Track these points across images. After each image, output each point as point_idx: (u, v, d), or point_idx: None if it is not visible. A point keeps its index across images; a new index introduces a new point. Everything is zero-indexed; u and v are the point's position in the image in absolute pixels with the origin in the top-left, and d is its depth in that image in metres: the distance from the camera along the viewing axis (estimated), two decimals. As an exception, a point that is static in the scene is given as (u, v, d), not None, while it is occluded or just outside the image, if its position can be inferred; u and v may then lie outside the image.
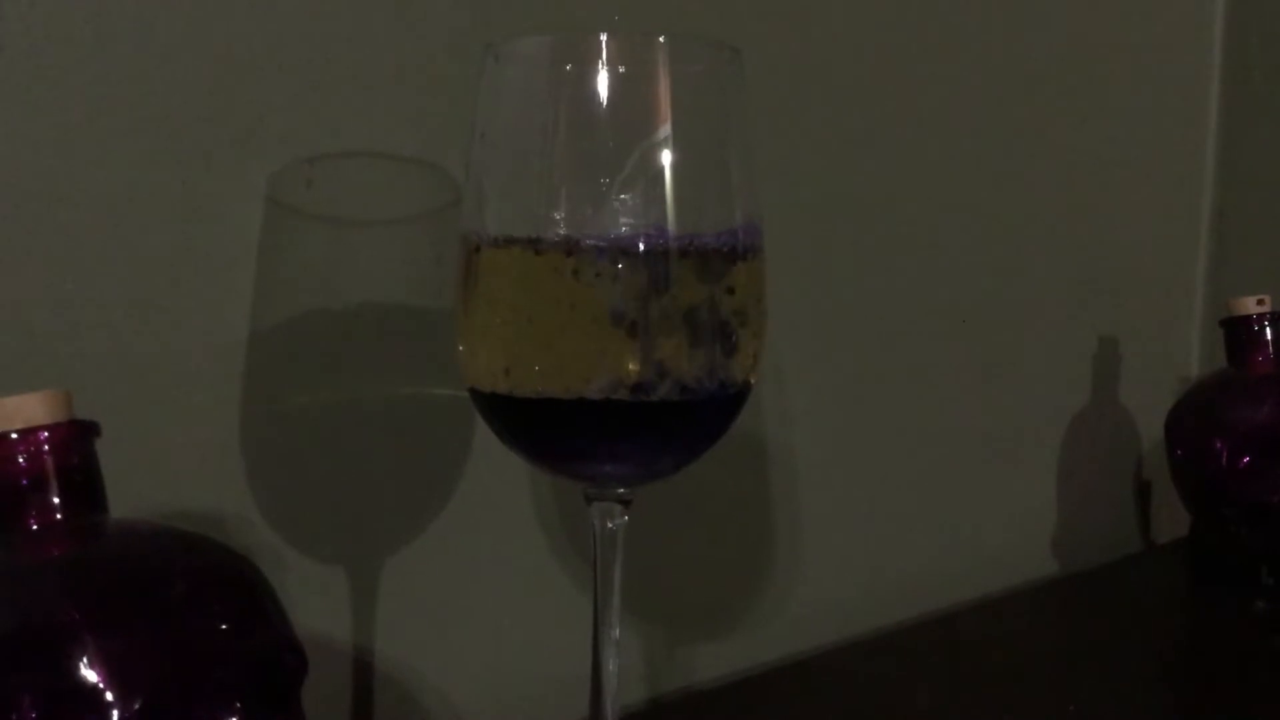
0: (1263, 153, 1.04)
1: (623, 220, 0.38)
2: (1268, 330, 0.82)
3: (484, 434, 0.45)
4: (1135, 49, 0.97)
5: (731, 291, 0.40)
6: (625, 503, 0.44)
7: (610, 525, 0.44)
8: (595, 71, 0.38)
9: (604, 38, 0.38)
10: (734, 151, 0.41)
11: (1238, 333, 0.83)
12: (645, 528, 0.48)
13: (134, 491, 0.45)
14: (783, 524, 0.74)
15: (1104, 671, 0.67)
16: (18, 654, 0.34)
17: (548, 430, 0.41)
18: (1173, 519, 0.95)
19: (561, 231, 0.38)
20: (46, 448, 0.38)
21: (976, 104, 0.84)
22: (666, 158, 0.38)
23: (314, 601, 0.54)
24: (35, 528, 0.38)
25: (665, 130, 0.39)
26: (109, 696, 0.34)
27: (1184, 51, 1.04)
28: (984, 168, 0.85)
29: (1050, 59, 0.89)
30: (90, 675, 0.34)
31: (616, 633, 0.45)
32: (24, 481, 0.38)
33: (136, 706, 0.34)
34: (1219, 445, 0.82)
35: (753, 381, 0.42)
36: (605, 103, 0.38)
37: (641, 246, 0.38)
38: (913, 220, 0.80)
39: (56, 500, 0.38)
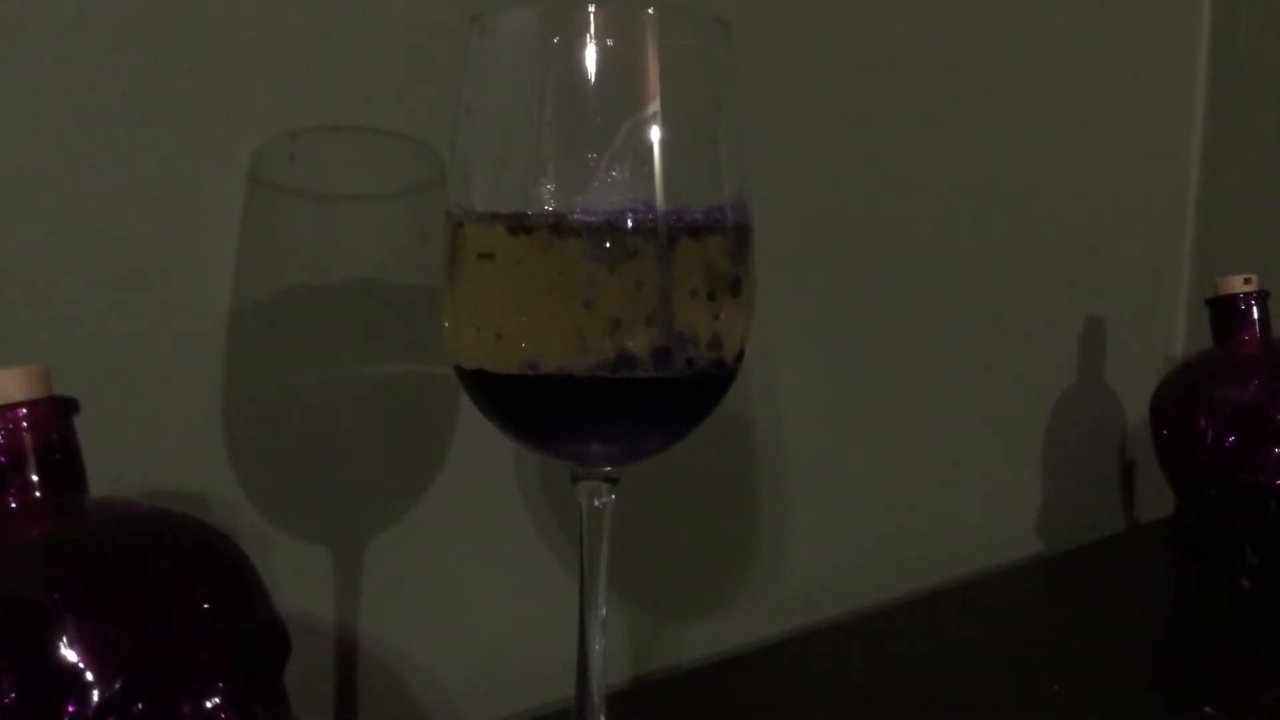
0: (1248, 132, 1.04)
1: (610, 196, 0.38)
2: (1254, 309, 0.82)
3: (469, 412, 0.44)
4: (1121, 31, 0.97)
5: (719, 269, 0.40)
6: (612, 481, 0.44)
7: (597, 504, 0.44)
8: (583, 45, 0.38)
9: (592, 10, 0.38)
10: (724, 128, 0.41)
11: (1224, 312, 0.83)
12: (632, 507, 0.48)
13: (115, 470, 0.44)
14: (768, 504, 0.74)
15: (1088, 651, 0.68)
16: (-4, 634, 0.34)
17: (534, 408, 0.41)
18: (1157, 499, 0.95)
19: (548, 207, 0.38)
20: (25, 425, 0.37)
21: (965, 87, 0.83)
22: (655, 133, 0.38)
23: (298, 582, 0.53)
24: (14, 506, 0.37)
25: (654, 106, 0.38)
26: (89, 677, 0.33)
27: (1170, 33, 1.04)
28: (971, 150, 0.84)
29: (1036, 41, 0.89)
30: (70, 656, 0.33)
31: (603, 612, 0.45)
32: (1, 459, 0.37)
33: (117, 687, 0.33)
34: (1204, 425, 0.82)
35: (741, 360, 0.42)
36: (593, 77, 0.38)
37: (629, 223, 0.38)
38: (901, 201, 0.80)
39: (35, 478, 0.38)
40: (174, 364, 0.50)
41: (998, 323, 0.88)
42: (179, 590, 0.36)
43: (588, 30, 0.38)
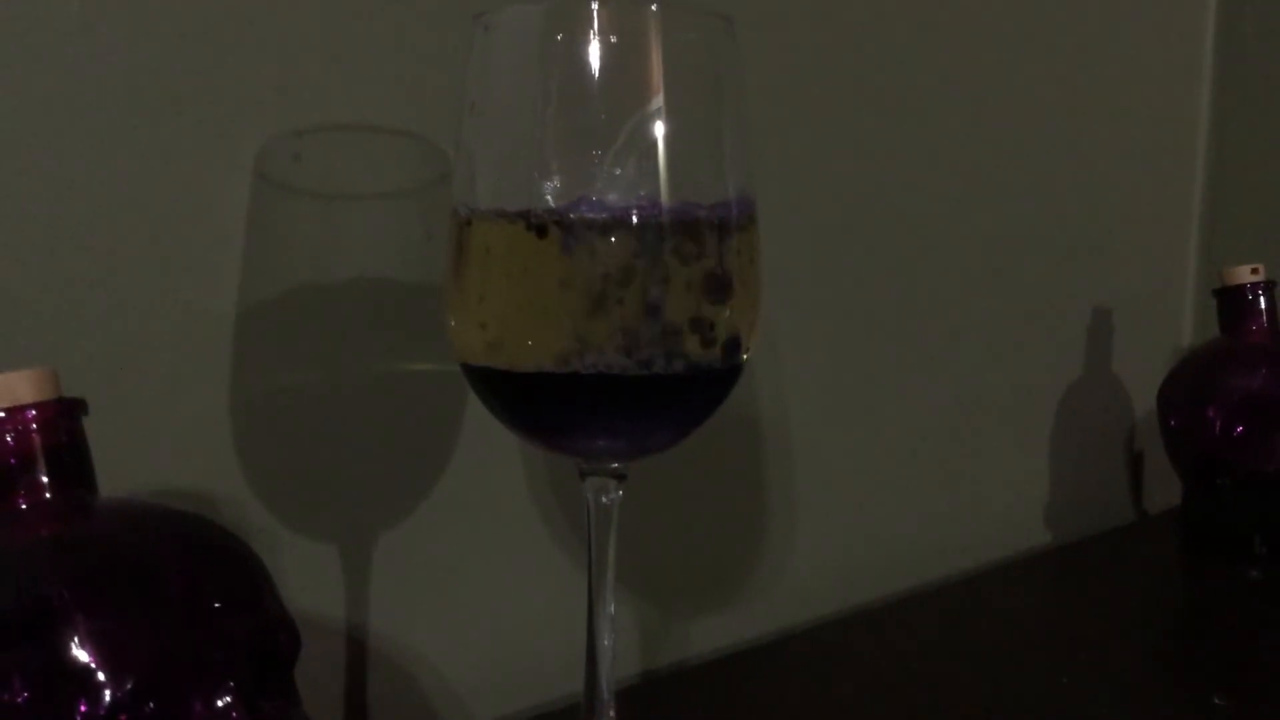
0: (1256, 121, 1.03)
1: (615, 193, 0.38)
2: (1261, 299, 0.82)
3: (476, 409, 0.44)
4: (1128, 19, 0.97)
5: (725, 264, 0.40)
6: (620, 477, 0.44)
7: (605, 500, 0.44)
8: (586, 41, 0.38)
9: (595, 6, 0.38)
10: (727, 123, 0.41)
11: (1231, 302, 0.83)
12: (639, 502, 0.48)
13: (124, 470, 0.45)
14: (775, 497, 0.74)
15: (1097, 642, 0.68)
16: (8, 634, 0.34)
17: (540, 405, 0.41)
18: (1165, 489, 0.95)
19: (553, 204, 0.38)
20: (34, 426, 0.38)
21: (970, 75, 0.83)
22: (659, 129, 0.38)
23: (307, 579, 0.53)
24: (24, 507, 0.38)
25: (658, 101, 0.38)
26: (100, 677, 0.33)
27: (1177, 21, 1.03)
28: (977, 140, 0.84)
29: (1042, 33, 0.89)
30: (81, 655, 0.34)
31: (611, 608, 0.45)
32: (11, 460, 0.38)
33: (129, 686, 0.34)
34: (1212, 414, 0.82)
35: (747, 355, 0.42)
36: (597, 73, 0.38)
37: (634, 219, 0.38)
38: (906, 192, 0.79)
39: (45, 479, 0.38)
40: (181, 363, 0.50)
41: (1005, 314, 0.88)
42: (189, 589, 0.37)
43: (591, 26, 0.38)
